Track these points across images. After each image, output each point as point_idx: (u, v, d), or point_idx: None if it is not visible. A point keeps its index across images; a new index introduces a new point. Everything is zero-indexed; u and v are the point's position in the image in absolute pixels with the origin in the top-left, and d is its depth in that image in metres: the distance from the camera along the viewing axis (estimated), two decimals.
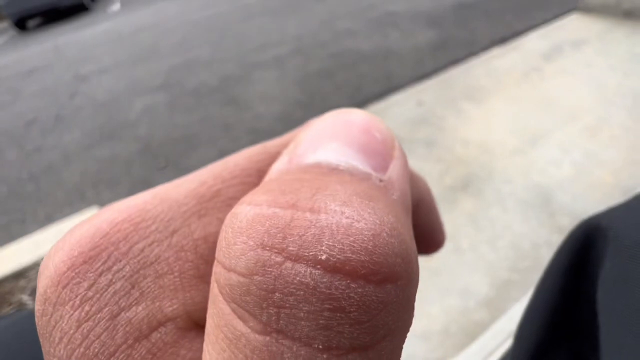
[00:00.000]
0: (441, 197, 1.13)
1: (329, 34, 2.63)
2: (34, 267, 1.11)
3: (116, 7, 7.08)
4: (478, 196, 1.11)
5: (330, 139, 0.09)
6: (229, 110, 1.96)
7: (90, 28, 5.60)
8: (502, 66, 1.65)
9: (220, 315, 0.07)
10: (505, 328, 0.73)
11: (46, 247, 1.11)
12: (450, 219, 1.06)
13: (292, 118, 1.74)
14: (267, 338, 0.06)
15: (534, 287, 0.22)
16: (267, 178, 0.09)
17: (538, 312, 0.19)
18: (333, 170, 0.08)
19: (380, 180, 0.08)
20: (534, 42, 1.77)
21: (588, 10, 1.94)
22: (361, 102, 1.72)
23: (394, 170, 0.09)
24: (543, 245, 0.95)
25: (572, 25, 1.85)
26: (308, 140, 0.09)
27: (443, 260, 0.95)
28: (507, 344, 0.70)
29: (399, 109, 1.55)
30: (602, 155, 1.15)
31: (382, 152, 0.09)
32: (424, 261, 0.97)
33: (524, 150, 1.22)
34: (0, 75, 4.16)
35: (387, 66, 1.99)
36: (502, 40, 1.93)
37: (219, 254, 0.07)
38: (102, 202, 1.50)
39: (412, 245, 0.07)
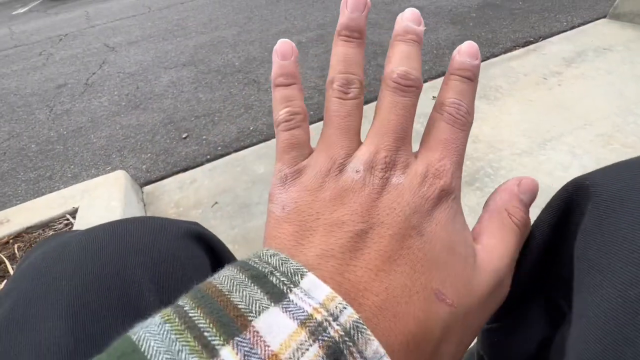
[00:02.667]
0: None
1: None
2: (60, 219, 1.20)
3: None
4: (483, 192, 1.15)
5: None
6: (250, 90, 2.02)
7: (122, 0, 5.69)
8: (520, 68, 1.65)
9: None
10: None
11: (72, 202, 1.20)
12: None
13: (310, 103, 1.79)
14: None
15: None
16: None
17: (518, 267, 0.19)
18: None
19: None
20: (557, 46, 1.76)
21: (618, 17, 1.91)
22: (373, 96, 1.75)
23: None
24: None
25: (599, 32, 1.82)
26: None
27: None
28: None
29: None
30: (612, 162, 1.17)
31: None
32: None
33: (533, 151, 1.24)
34: (32, 39, 4.29)
35: None
36: (524, 42, 1.92)
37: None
38: (126, 166, 1.59)
39: None
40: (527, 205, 0.20)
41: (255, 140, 1.57)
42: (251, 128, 1.68)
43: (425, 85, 1.71)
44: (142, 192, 1.37)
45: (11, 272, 0.97)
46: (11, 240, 1.06)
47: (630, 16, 1.86)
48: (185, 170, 1.48)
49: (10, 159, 1.81)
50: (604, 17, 1.99)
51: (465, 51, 0.20)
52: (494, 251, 0.18)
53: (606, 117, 1.33)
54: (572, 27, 1.99)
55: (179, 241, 0.27)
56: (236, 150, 1.53)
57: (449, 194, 0.18)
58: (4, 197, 1.55)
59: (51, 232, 1.16)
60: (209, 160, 1.50)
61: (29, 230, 1.14)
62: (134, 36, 3.40)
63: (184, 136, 1.72)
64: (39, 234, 1.15)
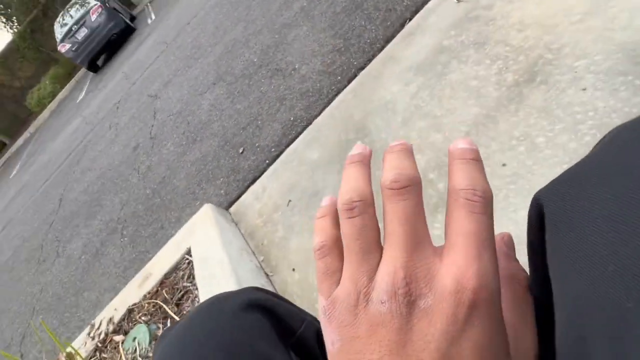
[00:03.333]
0: (505, 98, 1.06)
1: None
2: (182, 260, 1.46)
3: (152, 17, 7.50)
4: (548, 84, 1.01)
5: None
6: (277, 81, 2.04)
7: (142, 45, 6.11)
8: None
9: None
10: None
11: (185, 244, 1.43)
12: (518, 120, 1.00)
13: (334, 67, 1.74)
14: None
15: None
16: None
17: None
18: None
19: None
20: None
21: None
22: (397, 25, 1.61)
23: None
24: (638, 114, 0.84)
25: None
26: None
27: (519, 164, 0.93)
28: None
29: (438, 16, 1.42)
30: None
31: None
32: (498, 168, 0.96)
33: (597, 9, 1.02)
34: (99, 117, 4.97)
35: None
36: None
37: None
38: (208, 196, 1.81)
39: None
40: (516, 259, 0.20)
41: (300, 129, 1.62)
42: (292, 119, 1.73)
43: None
44: (230, 214, 1.56)
45: (168, 311, 1.24)
46: (158, 289, 1.34)
47: None
48: (254, 181, 1.62)
49: (131, 224, 2.21)
50: None
51: (462, 141, 0.20)
52: (525, 341, 0.19)
53: None
54: None
55: (240, 319, 0.33)
56: (287, 145, 1.60)
57: (485, 302, 0.16)
58: (141, 255, 1.93)
59: (180, 273, 1.42)
60: (269, 165, 1.61)
61: (166, 276, 1.42)
62: (166, 76, 3.68)
63: (240, 151, 1.86)
64: (173, 277, 1.42)
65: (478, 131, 1.06)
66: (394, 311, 0.17)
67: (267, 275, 1.26)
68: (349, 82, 1.57)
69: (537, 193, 0.19)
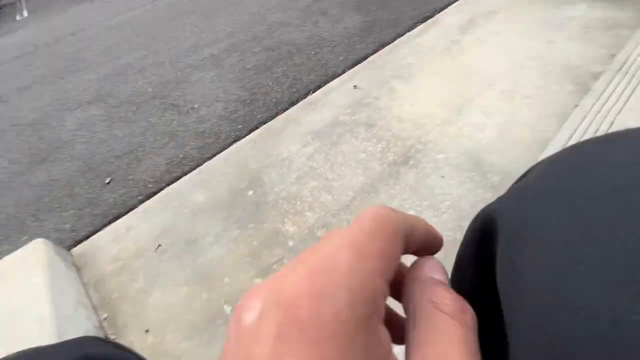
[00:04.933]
0: (386, 174, 1.21)
1: (262, 27, 2.61)
2: None
3: (24, 14, 6.37)
4: (418, 168, 1.21)
5: None
6: (171, 116, 1.90)
7: (1, 40, 5.01)
8: (425, 43, 1.76)
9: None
10: None
11: None
12: (395, 193, 1.15)
13: (237, 115, 1.74)
14: None
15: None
16: None
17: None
18: None
19: None
20: (451, 16, 1.90)
21: None
22: (302, 93, 1.75)
23: None
24: (480, 203, 1.06)
25: None
26: None
27: None
28: None
29: (338, 95, 1.61)
30: (519, 114, 1.30)
31: None
32: None
33: (452, 119, 1.33)
34: None
35: (321, 54, 2.04)
36: (424, 17, 2.05)
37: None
38: (45, 231, 1.41)
39: None
40: (447, 284, 0.18)
41: (188, 169, 1.49)
42: (180, 156, 1.59)
43: (343, 75, 1.75)
44: (72, 256, 1.23)
45: None
46: None
47: None
48: (117, 218, 1.36)
49: None
50: None
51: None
52: None
53: (504, 74, 1.47)
54: None
55: None
56: (169, 183, 1.44)
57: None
58: None
59: None
60: (141, 202, 1.39)
61: None
62: (24, 80, 3.02)
63: (107, 181, 1.57)
64: None
65: (363, 198, 1.17)
66: None
67: (106, 338, 0.99)
68: (250, 132, 1.58)
69: (486, 209, 0.19)
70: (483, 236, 0.19)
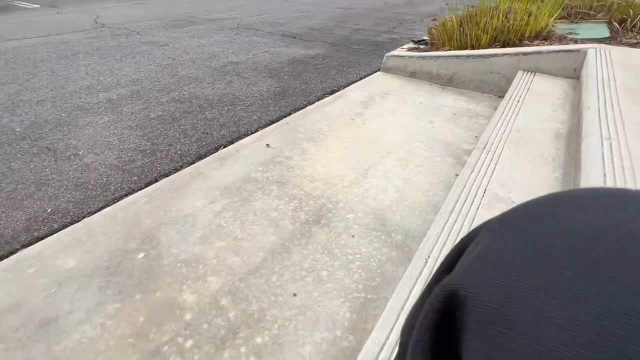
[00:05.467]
0: (298, 233, 1.18)
1: (172, 79, 2.53)
2: None
3: None
4: (330, 227, 1.22)
5: None
6: (43, 161, 1.58)
7: None
8: (333, 112, 1.93)
9: None
10: (369, 355, 0.79)
11: None
12: (308, 253, 1.11)
13: (132, 166, 1.54)
14: None
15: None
16: None
17: None
18: None
19: None
20: (354, 92, 2.16)
21: (388, 70, 2.52)
22: (211, 147, 1.68)
23: None
24: (387, 262, 1.10)
25: (379, 81, 2.35)
26: None
27: (307, 295, 0.97)
28: None
29: (250, 152, 1.59)
30: (414, 180, 1.46)
31: None
32: (290, 298, 0.97)
33: (359, 181, 1.42)
34: None
35: (234, 112, 2.04)
36: (331, 90, 2.28)
37: None
38: None
39: None
40: None
41: (57, 226, 1.21)
42: (48, 210, 1.29)
43: (256, 133, 1.75)
44: None
45: None
46: None
47: (394, 69, 2.49)
48: None
49: None
50: (379, 70, 2.59)
51: None
52: None
53: (400, 145, 1.67)
54: (361, 78, 2.49)
55: None
56: (26, 245, 1.13)
57: None
58: None
59: None
60: None
61: None
62: None
63: None
64: None
65: (274, 259, 1.09)
66: None
67: None
68: (148, 185, 1.40)
69: (449, 286, 0.17)
70: (446, 315, 0.18)
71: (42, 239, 1.15)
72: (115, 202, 1.30)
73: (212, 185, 1.39)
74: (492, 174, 1.26)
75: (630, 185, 0.90)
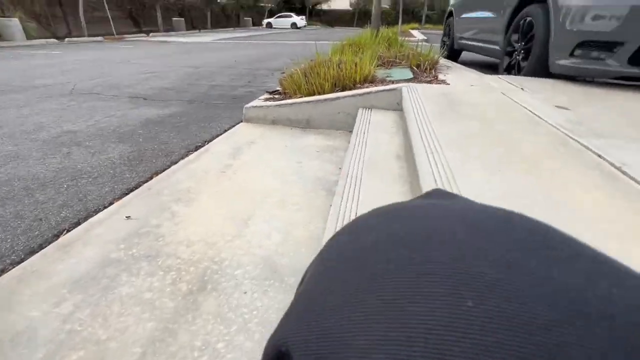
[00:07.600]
0: (182, 308, 1.03)
1: None
2: None
3: None
4: (218, 290, 1.11)
5: None
6: None
7: None
8: (200, 168, 1.85)
9: None
10: None
11: None
12: (197, 329, 0.97)
13: None
14: None
15: None
16: None
17: None
18: None
19: None
20: (220, 145, 2.14)
21: (250, 120, 2.61)
22: (48, 235, 1.35)
23: None
24: (285, 309, 1.05)
25: (244, 131, 2.40)
26: None
27: None
28: None
29: (106, 229, 1.35)
30: (294, 218, 1.49)
31: None
32: None
33: (241, 233, 1.36)
34: None
35: (77, 187, 1.72)
36: (195, 147, 2.19)
37: None
38: None
39: None
40: None
41: None
42: None
43: (112, 207, 1.51)
44: None
45: None
46: None
47: (255, 119, 2.59)
48: None
49: None
50: (242, 121, 2.64)
51: None
52: None
53: (274, 188, 1.70)
54: (225, 131, 2.49)
55: None
56: None
57: None
58: None
59: None
60: None
61: None
62: None
63: None
64: None
65: (156, 349, 0.91)
66: None
67: None
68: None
69: (276, 341, 0.16)
70: None
71: None
72: None
73: (55, 282, 1.10)
74: (359, 197, 1.40)
75: (452, 183, 1.14)
